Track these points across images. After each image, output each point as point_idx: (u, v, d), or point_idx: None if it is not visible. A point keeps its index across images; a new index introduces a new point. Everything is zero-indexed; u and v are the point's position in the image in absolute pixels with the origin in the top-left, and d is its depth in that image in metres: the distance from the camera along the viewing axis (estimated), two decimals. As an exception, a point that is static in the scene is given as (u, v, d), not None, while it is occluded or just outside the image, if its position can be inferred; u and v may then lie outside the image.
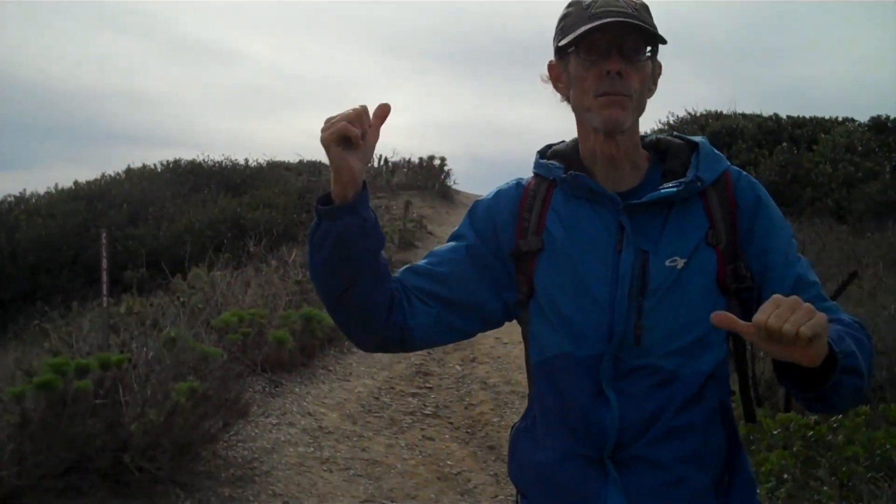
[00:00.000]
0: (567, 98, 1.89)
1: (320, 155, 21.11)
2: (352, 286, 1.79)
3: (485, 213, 1.95)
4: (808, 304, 1.45)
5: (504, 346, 8.92)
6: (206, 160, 18.11)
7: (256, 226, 13.75)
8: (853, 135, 13.49)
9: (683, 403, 1.73)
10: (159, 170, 17.51)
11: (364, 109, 1.70)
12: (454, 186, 17.84)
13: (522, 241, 1.88)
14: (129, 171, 17.54)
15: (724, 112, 17.82)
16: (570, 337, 1.79)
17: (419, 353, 8.41)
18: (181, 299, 8.72)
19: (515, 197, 1.94)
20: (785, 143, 14.00)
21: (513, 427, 2.02)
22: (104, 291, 6.10)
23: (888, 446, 4.05)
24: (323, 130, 1.68)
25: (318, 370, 7.35)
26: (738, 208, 1.80)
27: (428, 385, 7.63)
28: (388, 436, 6.38)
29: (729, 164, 1.86)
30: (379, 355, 8.13)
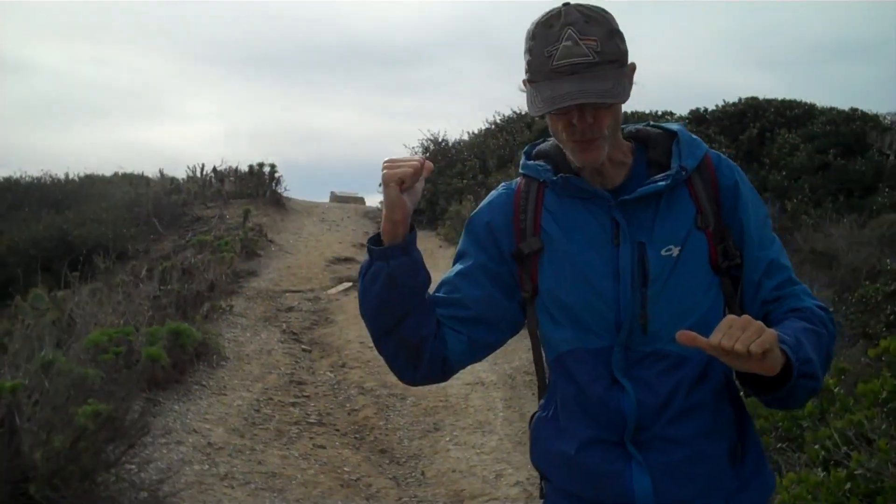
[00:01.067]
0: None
1: (139, 168, 20.39)
2: (401, 322, 1.90)
3: (482, 226, 2.01)
4: (757, 322, 1.57)
5: (370, 349, 8.88)
6: (23, 176, 17.19)
7: (85, 242, 13.12)
8: (676, 126, 14.23)
9: (693, 383, 1.82)
10: (-29, 188, 16.41)
11: (422, 163, 1.85)
12: (285, 194, 17.57)
13: (523, 244, 1.95)
14: (-63, 191, 16.35)
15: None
16: (579, 331, 1.88)
17: (288, 363, 8.31)
18: (25, 322, 8.21)
19: (507, 202, 2.01)
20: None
21: (532, 416, 2.10)
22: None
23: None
24: (386, 168, 1.84)
25: (192, 386, 7.10)
26: (720, 189, 1.89)
27: (305, 394, 7.53)
28: (279, 447, 6.26)
29: (707, 147, 1.95)
30: (248, 367, 7.97)
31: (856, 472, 3.71)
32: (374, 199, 20.61)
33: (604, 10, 1.80)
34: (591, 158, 1.82)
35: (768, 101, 15.82)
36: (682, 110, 16.19)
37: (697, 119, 15.29)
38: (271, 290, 11.24)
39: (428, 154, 18.77)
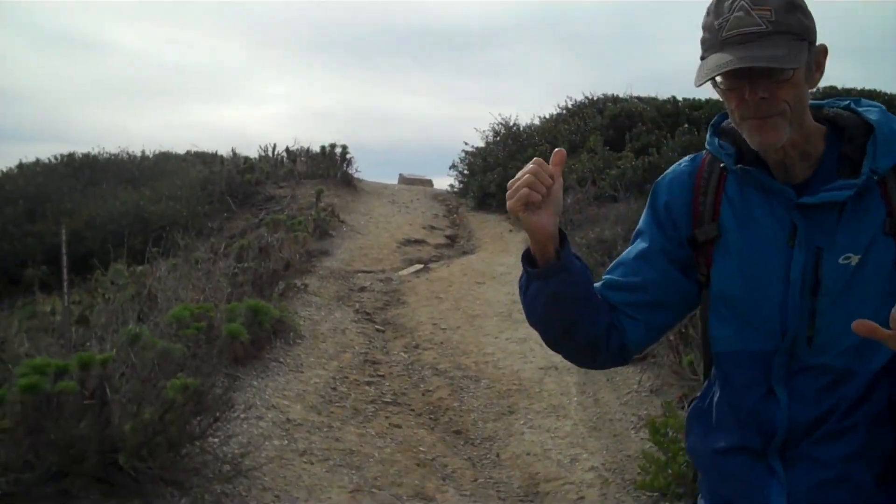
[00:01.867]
0: None
1: (213, 146, 20.68)
2: (570, 328, 1.87)
3: (661, 206, 1.94)
4: None
5: (443, 331, 8.96)
6: (101, 153, 17.54)
7: (160, 218, 13.38)
8: (750, 114, 14.03)
9: (854, 403, 1.71)
10: (53, 164, 16.81)
11: (539, 166, 1.77)
12: (356, 175, 17.68)
13: (699, 231, 1.87)
14: (21, 166, 16.77)
15: (621, 96, 18.28)
16: (742, 332, 1.80)
17: (362, 342, 8.37)
18: (106, 296, 8.41)
19: (689, 182, 1.92)
20: (685, 125, 14.42)
21: (690, 402, 2.04)
22: (65, 289, 5.83)
23: None
24: (508, 199, 1.78)
25: (269, 363, 7.20)
26: None
27: (380, 373, 7.59)
28: (355, 425, 6.32)
29: None
30: (323, 345, 8.06)
31: None
32: (442, 182, 20.67)
33: None
34: (768, 139, 1.70)
35: (847, 91, 15.48)
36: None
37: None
38: (343, 270, 11.34)
39: (498, 137, 18.73)
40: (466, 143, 19.17)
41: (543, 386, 7.25)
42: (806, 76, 1.70)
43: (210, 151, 19.06)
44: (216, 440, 5.19)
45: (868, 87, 16.01)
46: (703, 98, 16.37)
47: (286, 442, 5.76)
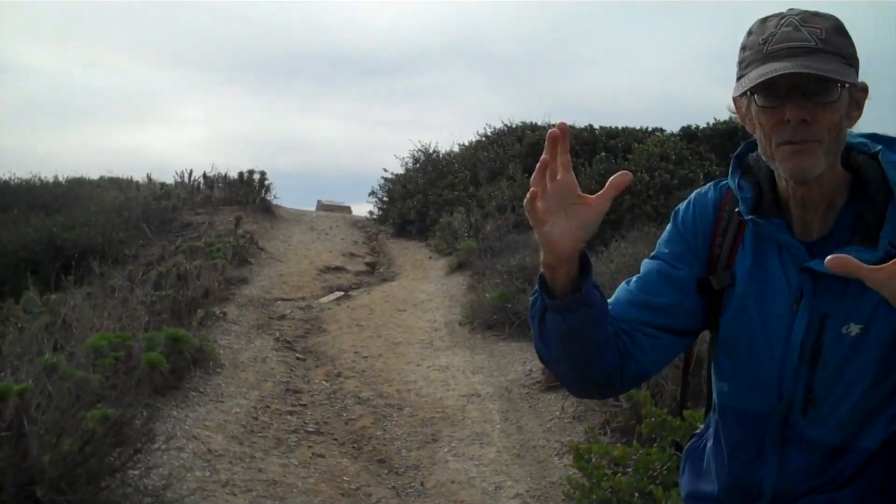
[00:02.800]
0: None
1: (127, 172, 20.32)
2: (584, 365, 1.72)
3: (691, 233, 1.82)
4: None
5: (365, 359, 8.94)
6: (11, 178, 17.14)
7: (75, 245, 13.09)
8: (665, 144, 14.32)
9: (845, 481, 1.67)
10: (-41, 189, 16.35)
11: (545, 163, 1.56)
12: (274, 202, 17.56)
13: (714, 277, 1.77)
14: (-76, 190, 16.27)
15: (539, 123, 18.55)
16: (740, 389, 1.75)
17: (283, 371, 8.30)
18: (19, 325, 8.17)
19: (712, 216, 1.81)
20: (602, 153, 14.70)
21: (690, 437, 2.01)
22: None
23: None
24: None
25: (189, 392, 7.08)
26: None
27: (301, 402, 7.53)
28: (278, 455, 6.25)
29: None
30: (244, 374, 7.96)
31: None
32: (361, 209, 20.66)
33: (839, 20, 1.61)
34: (803, 167, 1.58)
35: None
36: (674, 126, 16.33)
37: (688, 136, 15.40)
38: (263, 298, 11.23)
39: (418, 164, 18.83)
40: (386, 170, 19.24)
41: (466, 413, 7.28)
42: (849, 112, 1.62)
43: (125, 177, 18.78)
44: (137, 472, 5.07)
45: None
46: (619, 126, 16.73)
47: (208, 473, 5.67)
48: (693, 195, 1.88)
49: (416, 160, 19.02)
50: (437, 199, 16.25)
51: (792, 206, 1.69)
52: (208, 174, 18.28)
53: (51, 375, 5.39)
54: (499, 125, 19.33)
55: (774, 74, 1.53)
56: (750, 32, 1.65)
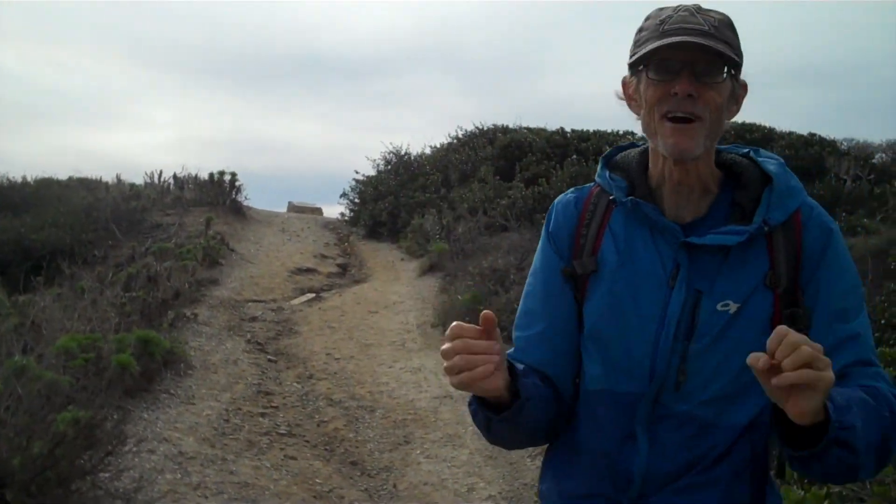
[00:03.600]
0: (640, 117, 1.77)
1: (97, 172, 20.15)
2: (540, 433, 1.83)
3: (549, 241, 1.89)
4: (826, 359, 1.37)
5: (337, 361, 8.92)
6: (-21, 179, 16.90)
7: (43, 246, 12.96)
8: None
9: (714, 458, 1.68)
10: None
11: (463, 345, 1.57)
12: (246, 203, 17.47)
13: (577, 262, 1.81)
14: None
15: (511, 126, 18.62)
16: (611, 372, 1.74)
17: (254, 373, 8.27)
18: (-14, 326, 8.08)
19: (574, 211, 1.87)
20: (574, 156, 14.78)
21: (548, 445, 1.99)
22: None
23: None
24: (448, 372, 1.58)
25: (160, 395, 7.04)
26: (803, 250, 1.68)
27: (273, 405, 7.50)
28: (250, 457, 6.22)
29: (805, 198, 1.73)
30: (215, 376, 7.92)
31: (833, 491, 3.79)
32: (333, 210, 20.62)
33: (729, 18, 1.71)
34: (684, 145, 1.66)
35: (751, 127, 16.11)
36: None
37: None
38: (234, 300, 11.18)
39: (390, 166, 18.82)
40: (357, 172, 19.21)
41: (439, 415, 7.28)
42: (730, 102, 1.71)
43: (94, 178, 18.56)
44: (108, 475, 5.04)
45: (748, 120, 16.68)
46: (590, 129, 16.83)
47: (179, 476, 5.63)
48: (554, 202, 1.94)
49: (387, 162, 19.03)
50: (409, 200, 16.26)
51: (665, 190, 1.77)
52: (178, 175, 18.19)
53: (20, 377, 5.34)
54: (470, 128, 19.41)
55: (673, 40, 1.62)
56: (647, 18, 1.74)
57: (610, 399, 1.75)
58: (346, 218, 18.63)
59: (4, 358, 5.97)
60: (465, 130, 19.37)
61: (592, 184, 1.90)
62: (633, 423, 1.71)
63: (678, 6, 1.70)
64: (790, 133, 15.89)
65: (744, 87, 1.75)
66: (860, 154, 15.57)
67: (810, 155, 14.50)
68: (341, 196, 19.05)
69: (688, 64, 1.65)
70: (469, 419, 5.81)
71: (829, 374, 1.37)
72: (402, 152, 19.09)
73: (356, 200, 18.55)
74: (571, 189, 1.95)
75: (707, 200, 1.76)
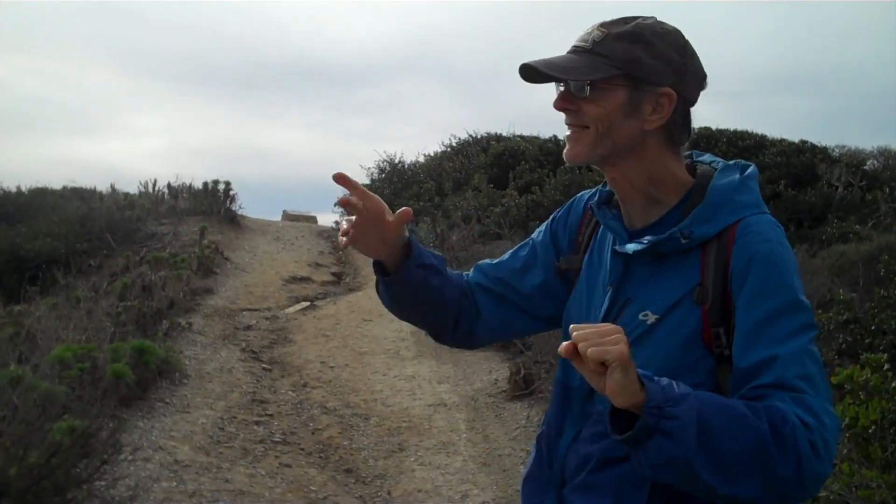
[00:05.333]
0: None
1: (89, 182, 20.17)
2: (413, 318, 2.04)
3: (559, 220, 2.04)
4: (620, 335, 1.43)
5: (331, 369, 8.95)
6: (-29, 190, 16.93)
7: (37, 256, 12.99)
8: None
9: (611, 460, 1.70)
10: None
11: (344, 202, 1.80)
12: (239, 212, 17.49)
13: (563, 259, 1.96)
14: None
15: (504, 134, 18.70)
16: (567, 365, 1.81)
17: (249, 381, 8.29)
18: (-19, 336, 8.11)
19: (580, 212, 2.00)
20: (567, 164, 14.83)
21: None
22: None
23: None
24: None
25: (155, 403, 7.07)
26: (731, 268, 1.63)
27: (268, 413, 7.53)
28: (245, 465, 6.26)
29: (749, 214, 1.68)
30: (209, 385, 7.95)
31: (820, 495, 3.84)
32: (327, 218, 20.67)
33: (656, 27, 1.73)
34: (570, 153, 1.76)
35: (721, 132, 16.21)
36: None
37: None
38: (229, 309, 11.21)
39: (384, 174, 18.88)
40: (351, 181, 19.19)
41: (433, 423, 7.33)
42: (630, 111, 1.70)
43: (88, 187, 18.59)
44: (103, 483, 5.07)
45: (739, 127, 16.79)
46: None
47: (175, 484, 5.67)
48: (576, 196, 2.07)
49: (381, 170, 19.11)
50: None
51: (620, 200, 1.85)
52: (173, 184, 18.22)
53: (16, 387, 5.37)
54: (463, 136, 19.47)
55: (521, 64, 1.72)
56: None
57: (562, 390, 1.87)
58: (341, 226, 18.64)
59: (0, 368, 6.01)
60: (459, 139, 19.50)
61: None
62: (566, 415, 1.84)
63: (599, 23, 1.76)
64: (782, 140, 16.00)
65: (666, 95, 1.71)
66: (851, 161, 15.67)
67: (802, 162, 14.60)
68: (335, 204, 19.08)
69: (564, 81, 1.74)
70: (462, 426, 5.85)
71: (616, 347, 1.41)
72: (396, 161, 19.18)
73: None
74: (594, 189, 2.00)
75: (660, 209, 1.78)
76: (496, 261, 2.08)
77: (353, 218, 1.80)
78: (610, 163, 1.76)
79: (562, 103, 1.74)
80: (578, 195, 2.04)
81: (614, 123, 1.71)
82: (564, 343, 1.45)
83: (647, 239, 1.70)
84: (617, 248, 1.77)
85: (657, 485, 1.64)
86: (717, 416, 1.46)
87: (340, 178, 1.78)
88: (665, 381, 1.48)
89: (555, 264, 1.98)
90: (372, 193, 1.81)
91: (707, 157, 1.87)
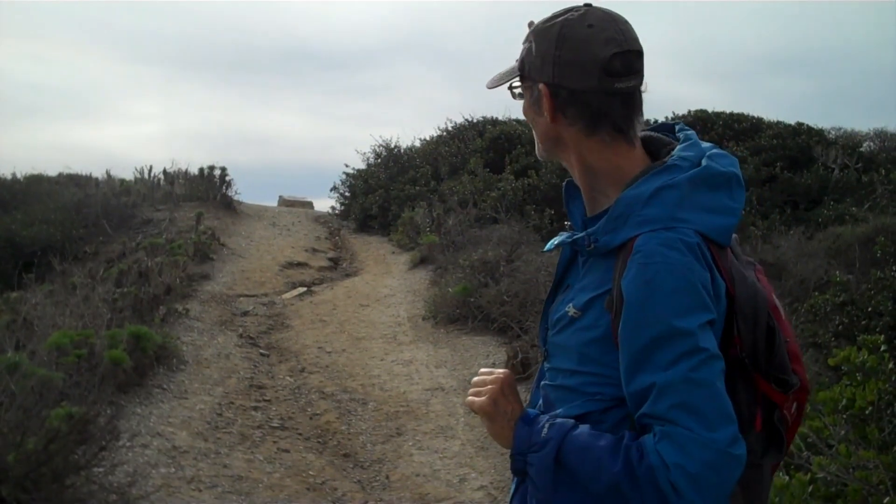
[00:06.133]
0: None
1: (84, 169, 20.14)
2: None
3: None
4: (490, 387, 1.65)
5: (328, 354, 8.96)
6: (-34, 176, 16.92)
7: (33, 243, 12.98)
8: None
9: (536, 444, 1.68)
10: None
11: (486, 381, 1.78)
12: (236, 197, 17.46)
13: None
14: None
15: (500, 118, 18.66)
16: None
17: (247, 367, 8.30)
18: (-22, 323, 8.10)
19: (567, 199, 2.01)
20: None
21: None
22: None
23: None
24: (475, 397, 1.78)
25: (153, 389, 7.08)
26: (621, 289, 1.57)
27: (266, 398, 7.54)
28: (243, 451, 6.27)
29: (649, 230, 1.58)
30: (207, 371, 7.96)
31: (817, 476, 3.85)
32: (323, 204, 20.65)
33: (548, 21, 1.71)
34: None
35: (717, 114, 16.18)
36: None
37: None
38: (226, 294, 11.21)
39: (380, 159, 18.84)
40: (347, 165, 19.20)
41: (430, 407, 7.34)
42: (538, 108, 1.73)
43: (84, 173, 18.55)
44: (102, 469, 5.08)
45: (732, 109, 16.76)
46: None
47: (173, 469, 5.68)
48: None
49: (377, 155, 19.04)
50: (399, 194, 16.27)
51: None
52: (168, 170, 18.17)
53: (13, 374, 5.38)
54: (459, 120, 19.40)
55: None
56: None
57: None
58: (337, 211, 18.64)
59: (-3, 355, 6.01)
60: (455, 123, 19.40)
61: None
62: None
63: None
64: (778, 123, 15.98)
65: (543, 92, 1.70)
66: (848, 143, 15.66)
67: (798, 144, 14.59)
68: (332, 189, 19.07)
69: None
70: (460, 411, 5.83)
71: (479, 400, 1.67)
72: (392, 145, 19.12)
73: (347, 194, 18.56)
74: None
75: (607, 201, 1.70)
76: None
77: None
78: (552, 157, 1.83)
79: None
80: (567, 180, 1.94)
81: (534, 122, 1.78)
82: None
83: (568, 234, 1.75)
84: (553, 240, 1.80)
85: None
86: (575, 459, 1.54)
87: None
88: (540, 422, 1.62)
89: None
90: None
91: (689, 139, 1.78)
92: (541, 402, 1.81)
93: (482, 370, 1.68)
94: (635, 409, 1.54)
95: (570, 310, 1.67)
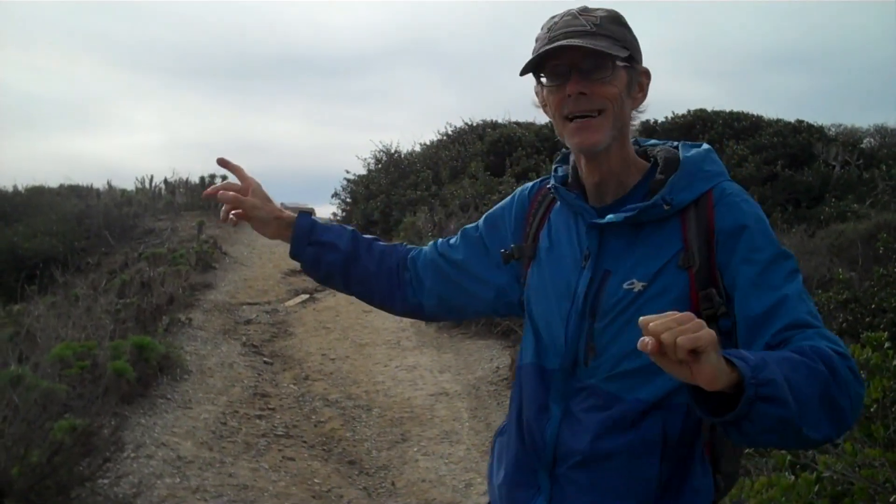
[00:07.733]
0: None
1: (84, 180, 20.16)
2: (342, 289, 2.26)
3: (501, 215, 2.11)
4: (700, 321, 1.35)
5: (332, 361, 8.95)
6: (-32, 189, 16.96)
7: (36, 255, 12.99)
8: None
9: (616, 429, 1.72)
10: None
11: (216, 190, 2.13)
12: (238, 205, 17.43)
13: (515, 247, 1.99)
14: None
15: (500, 121, 18.67)
16: (540, 349, 1.87)
17: (251, 375, 8.30)
18: (-19, 336, 8.10)
19: (526, 201, 2.06)
20: (563, 149, 14.83)
21: (498, 428, 2.10)
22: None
23: None
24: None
25: (157, 400, 7.07)
26: (715, 231, 1.70)
27: (270, 406, 7.53)
28: (248, 459, 6.26)
29: (721, 181, 1.76)
30: (211, 380, 7.95)
31: (823, 475, 3.84)
32: (325, 210, 20.64)
33: (617, 12, 1.80)
34: (588, 141, 1.76)
35: (716, 113, 16.17)
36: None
37: (647, 131, 15.57)
38: (228, 303, 11.20)
39: (380, 164, 18.84)
40: (348, 171, 19.23)
41: (435, 412, 7.32)
42: (628, 91, 1.79)
43: (85, 184, 18.60)
44: (106, 481, 5.07)
45: (731, 107, 16.76)
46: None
47: (178, 480, 5.66)
48: (519, 187, 2.15)
49: (378, 161, 19.06)
50: (401, 198, 16.28)
51: (587, 183, 1.88)
52: (169, 179, 18.21)
53: (16, 387, 5.36)
54: (459, 124, 19.44)
55: (550, 47, 1.72)
56: (543, 26, 1.83)
57: (537, 373, 1.87)
58: (339, 217, 18.66)
59: (0, 368, 6.00)
60: (455, 127, 19.44)
61: (550, 177, 2.02)
62: (548, 396, 1.83)
63: (565, 11, 1.80)
64: (778, 120, 15.96)
65: (645, 74, 1.84)
66: (848, 139, 15.66)
67: (798, 142, 14.58)
68: (333, 196, 19.09)
69: (575, 66, 1.74)
70: (465, 415, 5.83)
71: (705, 332, 1.33)
72: (393, 150, 19.14)
73: (348, 200, 18.58)
74: (538, 179, 2.12)
75: (623, 189, 1.84)
76: (451, 239, 2.21)
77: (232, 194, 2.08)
78: (610, 143, 1.79)
79: (577, 86, 1.74)
80: (519, 189, 2.11)
81: (622, 104, 1.78)
82: (645, 339, 1.34)
83: (630, 207, 1.75)
84: (598, 220, 1.79)
85: (667, 446, 1.70)
86: (790, 370, 1.46)
87: (222, 162, 2.14)
88: (733, 350, 1.44)
89: (500, 252, 2.03)
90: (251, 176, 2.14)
91: (653, 141, 1.95)
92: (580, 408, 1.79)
93: (652, 318, 1.37)
94: (759, 331, 1.60)
95: (636, 285, 1.71)
